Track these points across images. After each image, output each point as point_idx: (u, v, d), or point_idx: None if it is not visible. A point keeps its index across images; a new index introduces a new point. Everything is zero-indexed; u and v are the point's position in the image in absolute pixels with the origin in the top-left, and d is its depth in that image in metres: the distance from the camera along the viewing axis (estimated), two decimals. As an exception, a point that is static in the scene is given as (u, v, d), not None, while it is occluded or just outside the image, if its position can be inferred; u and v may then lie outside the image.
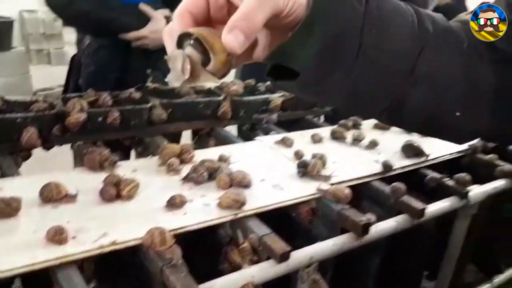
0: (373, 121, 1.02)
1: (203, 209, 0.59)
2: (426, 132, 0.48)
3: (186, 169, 0.69)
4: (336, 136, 0.91)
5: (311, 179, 0.72)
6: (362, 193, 0.74)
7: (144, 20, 1.15)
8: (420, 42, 0.39)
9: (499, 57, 0.41)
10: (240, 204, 0.59)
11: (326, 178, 0.71)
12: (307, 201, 0.66)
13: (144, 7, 1.14)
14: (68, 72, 1.34)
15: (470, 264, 1.02)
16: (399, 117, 0.42)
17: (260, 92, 1.05)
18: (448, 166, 0.87)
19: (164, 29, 0.37)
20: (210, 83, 0.38)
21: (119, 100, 0.86)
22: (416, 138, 0.93)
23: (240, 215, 0.59)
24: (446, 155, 0.87)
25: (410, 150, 0.83)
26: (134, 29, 1.14)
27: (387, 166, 0.76)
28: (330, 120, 1.14)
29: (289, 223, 0.70)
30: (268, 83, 1.11)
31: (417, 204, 0.67)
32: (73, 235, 0.51)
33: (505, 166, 0.83)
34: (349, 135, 0.91)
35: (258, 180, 0.69)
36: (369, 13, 0.36)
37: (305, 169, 0.72)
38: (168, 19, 1.16)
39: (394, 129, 1.00)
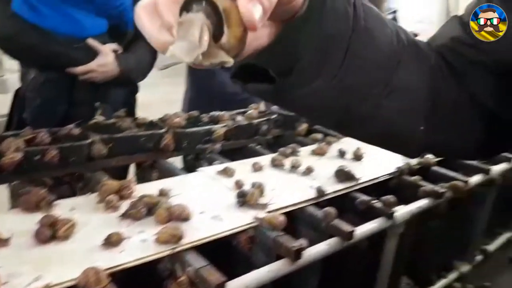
0: (310, 148, 1.08)
1: (140, 245, 0.60)
2: (384, 144, 0.48)
3: (125, 205, 0.70)
4: (275, 164, 0.95)
5: (249, 208, 0.75)
6: (297, 219, 0.79)
7: (92, 54, 1.15)
8: (398, 54, 0.39)
9: (454, 72, 0.42)
10: (178, 238, 0.61)
11: (263, 206, 0.75)
12: (245, 230, 0.70)
13: (91, 41, 1.15)
14: (12, 106, 1.31)
15: (406, 278, 1.09)
16: (363, 128, 0.42)
17: (203, 123, 1.08)
18: (377, 188, 0.94)
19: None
20: (224, 60, 0.28)
21: (58, 137, 0.86)
22: (348, 163, 0.99)
23: (178, 249, 0.61)
24: (376, 178, 0.94)
25: (342, 175, 0.89)
26: (82, 63, 1.14)
27: (320, 191, 0.81)
28: (272, 147, 1.18)
29: (231, 252, 0.73)
30: (213, 113, 1.15)
31: (346, 227, 0.72)
32: (4, 280, 0.50)
33: (427, 186, 0.91)
34: (288, 162, 0.96)
35: (197, 213, 0.71)
36: (357, 19, 0.36)
37: (244, 199, 0.76)
38: (116, 53, 1.17)
39: (329, 154, 1.06)
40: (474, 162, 1.07)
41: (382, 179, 0.95)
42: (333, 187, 0.86)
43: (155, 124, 1.00)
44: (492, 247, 1.23)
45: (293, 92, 0.37)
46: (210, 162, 0.99)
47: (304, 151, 1.06)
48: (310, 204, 0.80)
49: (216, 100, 1.42)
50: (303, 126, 1.21)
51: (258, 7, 0.27)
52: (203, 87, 1.54)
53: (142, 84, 1.34)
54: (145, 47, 1.37)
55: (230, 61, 0.29)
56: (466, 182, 0.96)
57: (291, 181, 0.89)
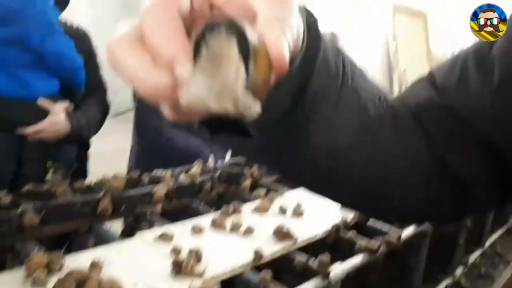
0: (253, 204, 1.10)
1: (64, 328, 0.58)
2: (360, 206, 0.47)
3: (55, 280, 0.67)
4: (216, 225, 0.96)
5: (185, 276, 0.74)
6: (235, 284, 0.79)
7: (43, 113, 1.14)
8: (379, 115, 0.39)
9: (428, 136, 0.41)
10: (105, 317, 0.59)
11: (199, 274, 0.75)
12: (180, 300, 0.69)
13: (42, 102, 1.14)
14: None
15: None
16: (340, 188, 0.41)
17: (143, 184, 1.07)
18: (316, 245, 0.97)
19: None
20: (252, 110, 0.22)
21: (-14, 207, 0.83)
22: (288, 220, 1.02)
23: (105, 329, 0.59)
24: (314, 236, 0.97)
25: (281, 234, 0.91)
26: (33, 124, 1.12)
27: (258, 254, 0.82)
28: (217, 204, 1.19)
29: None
30: (154, 172, 1.14)
31: (282, 292, 0.73)
32: None
33: (362, 242, 0.95)
34: (229, 222, 0.97)
35: (131, 285, 0.70)
36: (345, 76, 0.35)
37: (179, 267, 0.75)
38: (67, 111, 1.17)
39: (271, 211, 1.09)
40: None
41: (320, 236, 0.98)
42: (272, 248, 0.88)
43: (93, 188, 0.98)
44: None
45: (273, 150, 0.35)
46: (151, 225, 0.98)
47: (247, 208, 1.08)
48: (248, 269, 0.80)
49: (163, 156, 1.42)
50: (247, 182, 1.23)
51: (287, 44, 0.23)
52: (150, 144, 1.54)
53: None
54: (95, 103, 1.38)
55: (257, 111, 0.22)
56: (399, 236, 1.01)
57: (231, 243, 0.89)
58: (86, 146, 1.36)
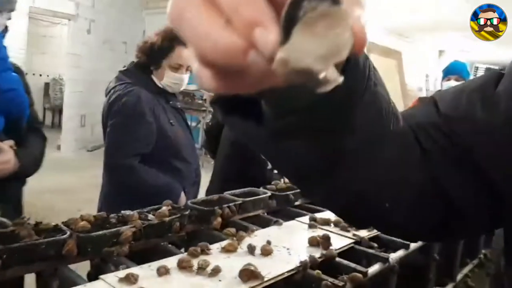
0: (222, 244, 1.10)
1: None
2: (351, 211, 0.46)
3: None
4: (182, 266, 0.95)
5: (147, 320, 0.74)
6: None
7: None
8: (389, 122, 0.40)
9: (424, 154, 0.42)
10: None
11: (161, 317, 0.74)
12: None
13: None
14: None
15: None
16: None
17: (111, 224, 1.07)
18: (284, 284, 0.97)
19: None
20: (337, 79, 0.21)
21: None
22: (256, 259, 1.02)
23: None
24: (281, 274, 0.97)
25: (247, 275, 0.92)
26: None
27: (222, 296, 0.83)
28: (187, 243, 1.19)
29: None
30: (122, 213, 1.14)
31: (244, 334, 0.73)
32: None
33: (328, 280, 0.96)
34: (196, 262, 0.97)
35: (90, 330, 0.69)
36: (369, 79, 0.36)
37: (141, 310, 0.74)
38: (13, 148, 1.16)
39: (240, 250, 1.09)
40: (374, 251, 1.15)
41: (287, 274, 0.99)
42: (237, 288, 0.88)
43: (59, 228, 0.98)
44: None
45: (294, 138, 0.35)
46: (117, 266, 0.97)
47: (215, 248, 1.08)
48: (212, 310, 0.80)
49: (133, 195, 1.42)
50: (218, 220, 1.24)
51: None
52: (121, 182, 1.54)
53: (69, 168, 1.34)
54: (37, 139, 1.38)
55: (339, 82, 0.22)
56: (366, 272, 1.03)
57: (197, 285, 0.89)
58: (24, 184, 1.35)
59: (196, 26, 0.22)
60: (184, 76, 1.70)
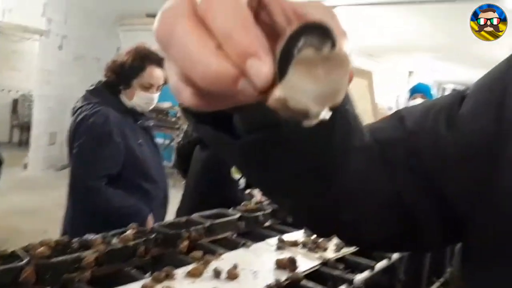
0: (186, 269, 1.08)
1: None
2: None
3: None
4: (145, 292, 0.93)
5: None
6: None
7: None
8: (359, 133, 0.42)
9: (389, 167, 0.43)
10: None
11: None
12: None
13: None
14: None
15: None
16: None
17: (72, 249, 1.04)
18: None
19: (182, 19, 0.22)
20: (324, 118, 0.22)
21: None
22: (222, 284, 1.01)
23: None
24: (246, 299, 0.97)
25: (211, 300, 0.91)
26: None
27: (184, 323, 0.81)
28: (152, 267, 1.16)
29: None
30: (85, 237, 1.11)
31: None
32: None
33: (293, 304, 0.96)
34: (160, 288, 0.95)
35: None
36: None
37: None
38: None
39: (206, 274, 1.08)
40: (339, 273, 1.16)
41: (251, 298, 0.98)
42: (200, 315, 0.86)
43: (16, 255, 0.94)
44: None
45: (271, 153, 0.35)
46: (77, 293, 0.94)
47: (181, 272, 1.07)
48: (173, 338, 0.79)
49: (99, 218, 1.39)
50: (185, 244, 1.22)
51: None
52: (87, 204, 1.51)
53: (36, 187, 1.29)
54: None
55: (326, 118, 0.22)
56: (332, 294, 1.03)
57: (159, 312, 0.87)
58: None
59: (186, 47, 0.21)
60: (155, 95, 1.70)
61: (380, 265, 1.28)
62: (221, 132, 0.34)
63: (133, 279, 1.04)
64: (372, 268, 1.24)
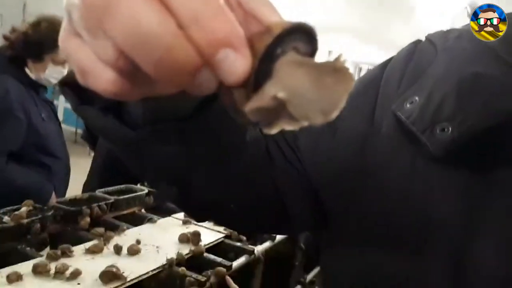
0: (85, 246, 1.07)
1: None
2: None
3: None
4: (38, 271, 0.91)
5: (-13, 333, 0.69)
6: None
7: None
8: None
9: (271, 161, 0.44)
10: None
11: (4, 329, 0.70)
12: None
13: None
14: None
15: None
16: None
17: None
18: (150, 281, 0.99)
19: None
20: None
21: None
22: (122, 260, 1.02)
23: None
24: (146, 273, 0.99)
25: (108, 276, 0.91)
26: None
27: (77, 301, 0.81)
28: (52, 244, 1.13)
29: None
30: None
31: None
32: None
33: (192, 276, 1.00)
34: (54, 266, 0.93)
35: None
36: None
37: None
38: None
39: (107, 251, 1.07)
40: (241, 244, 1.23)
41: (151, 273, 1.00)
42: (97, 291, 0.87)
43: None
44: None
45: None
46: (-39, 276, 0.88)
47: (79, 250, 1.05)
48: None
49: (2, 197, 1.29)
50: (86, 220, 1.19)
51: None
52: None
53: None
54: None
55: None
56: (230, 266, 1.09)
57: (52, 290, 0.86)
58: None
59: (136, 20, 0.16)
60: (66, 69, 1.58)
61: (281, 236, 1.36)
62: (109, 118, 0.30)
63: (27, 258, 1.00)
64: (273, 239, 1.32)
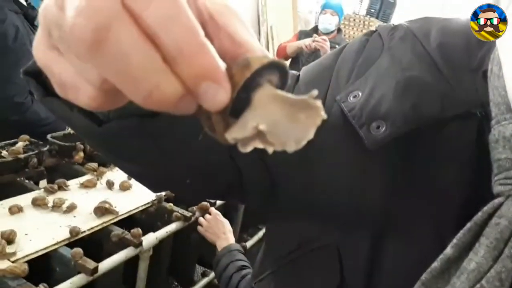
0: (80, 180, 1.15)
1: None
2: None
3: None
4: (37, 204, 1.00)
5: (-4, 258, 0.80)
6: (52, 258, 0.87)
7: None
8: None
9: None
10: None
11: (10, 255, 0.81)
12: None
13: None
14: None
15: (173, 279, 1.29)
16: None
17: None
18: (140, 215, 1.09)
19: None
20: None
21: None
22: (114, 195, 1.11)
23: None
24: (136, 208, 1.09)
25: (101, 210, 1.01)
26: None
27: (73, 232, 0.91)
28: (49, 176, 1.21)
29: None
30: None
31: (90, 264, 0.84)
32: None
33: (179, 211, 1.10)
34: (52, 199, 1.02)
35: None
36: None
37: (-11, 250, 0.80)
38: None
39: (99, 186, 1.16)
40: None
41: (141, 208, 1.10)
42: (91, 224, 0.97)
43: None
44: (249, 243, 1.52)
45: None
46: (-34, 205, 0.98)
47: (75, 184, 1.14)
48: (64, 245, 0.89)
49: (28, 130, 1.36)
50: (80, 155, 1.27)
51: None
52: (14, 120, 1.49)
53: None
54: None
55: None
56: (214, 202, 1.19)
57: (50, 222, 0.96)
58: None
59: (128, 58, 0.17)
60: None
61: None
62: (77, 112, 0.31)
63: (27, 189, 1.09)
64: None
